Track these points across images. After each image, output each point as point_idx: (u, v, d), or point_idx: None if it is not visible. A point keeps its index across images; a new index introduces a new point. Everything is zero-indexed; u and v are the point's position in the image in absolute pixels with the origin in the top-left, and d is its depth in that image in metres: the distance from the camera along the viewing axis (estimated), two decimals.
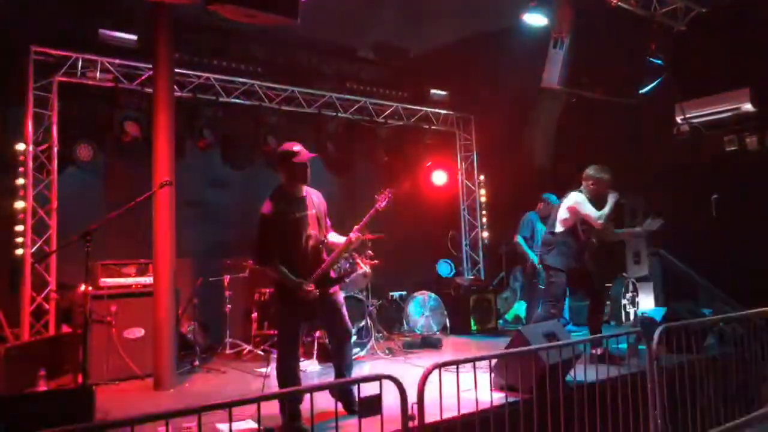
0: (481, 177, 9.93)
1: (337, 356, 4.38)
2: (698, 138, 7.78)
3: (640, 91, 6.89)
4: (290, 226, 4.09)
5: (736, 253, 7.35)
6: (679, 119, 7.84)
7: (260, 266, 4.37)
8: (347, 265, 6.90)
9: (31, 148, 6.13)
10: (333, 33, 7.84)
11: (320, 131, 8.42)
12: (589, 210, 5.39)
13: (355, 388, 3.78)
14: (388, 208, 4.23)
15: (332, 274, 4.34)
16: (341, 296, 4.39)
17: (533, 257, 7.09)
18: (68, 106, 6.46)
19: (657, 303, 8.29)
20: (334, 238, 4.35)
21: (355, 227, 4.17)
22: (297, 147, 4.17)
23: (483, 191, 9.95)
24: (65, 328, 5.93)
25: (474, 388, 3.50)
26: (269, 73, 7.84)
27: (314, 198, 4.29)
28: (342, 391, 4.03)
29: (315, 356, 6.12)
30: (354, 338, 6.23)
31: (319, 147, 8.42)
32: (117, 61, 6.64)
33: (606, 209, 5.35)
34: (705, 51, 7.38)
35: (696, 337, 4.56)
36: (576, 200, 5.47)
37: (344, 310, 4.33)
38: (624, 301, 7.98)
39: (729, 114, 7.74)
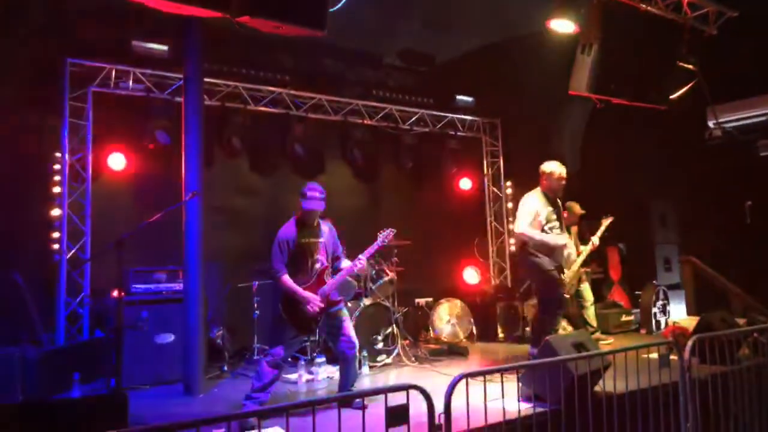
0: (508, 183, 9.87)
1: (341, 369, 4.74)
2: (731, 143, 7.61)
3: (671, 96, 6.76)
4: (298, 249, 4.56)
5: None
6: (711, 124, 7.67)
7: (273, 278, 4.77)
8: (373, 272, 6.92)
9: (66, 156, 6.31)
10: (359, 40, 7.89)
11: (346, 138, 8.48)
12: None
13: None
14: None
15: (333, 297, 4.70)
16: (345, 313, 4.77)
17: None
18: (101, 115, 6.62)
19: (688, 311, 8.12)
20: (345, 264, 4.81)
21: (360, 256, 4.64)
22: (312, 192, 4.58)
23: (509, 197, 9.89)
24: (98, 333, 6.07)
25: (501, 397, 3.48)
26: (296, 81, 7.93)
27: (324, 227, 4.73)
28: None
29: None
30: (381, 345, 6.28)
31: (345, 154, 8.50)
32: (149, 71, 6.79)
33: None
34: (738, 54, 7.23)
35: (730, 348, 4.45)
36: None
37: (348, 324, 4.72)
38: (654, 310, 7.83)
39: (763, 118, 7.56)
